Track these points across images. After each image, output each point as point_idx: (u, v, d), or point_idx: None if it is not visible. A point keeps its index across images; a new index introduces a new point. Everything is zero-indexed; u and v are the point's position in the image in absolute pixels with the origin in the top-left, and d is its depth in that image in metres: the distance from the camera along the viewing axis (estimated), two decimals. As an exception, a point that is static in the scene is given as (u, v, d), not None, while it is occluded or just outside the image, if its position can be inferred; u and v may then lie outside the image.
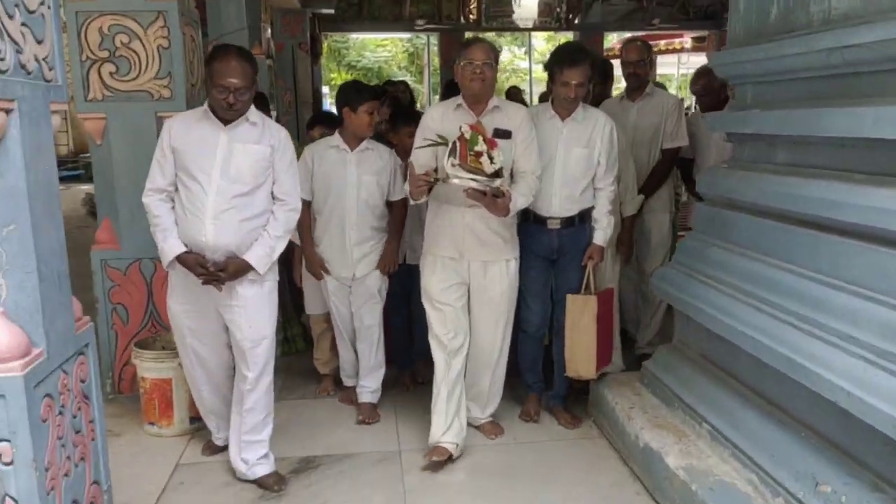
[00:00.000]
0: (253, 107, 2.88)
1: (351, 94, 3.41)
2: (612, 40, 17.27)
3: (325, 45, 14.53)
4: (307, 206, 3.42)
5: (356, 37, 19.50)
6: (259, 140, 2.84)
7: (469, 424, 3.30)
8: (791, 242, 2.45)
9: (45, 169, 1.94)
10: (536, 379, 3.59)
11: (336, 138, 3.45)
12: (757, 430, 2.50)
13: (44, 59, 1.97)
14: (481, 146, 2.76)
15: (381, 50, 22.61)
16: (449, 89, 4.76)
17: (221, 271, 2.79)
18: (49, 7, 1.99)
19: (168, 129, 2.84)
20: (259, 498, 2.94)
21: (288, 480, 3.04)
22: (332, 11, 11.12)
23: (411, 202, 3.14)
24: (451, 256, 3.13)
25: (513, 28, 14.02)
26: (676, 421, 3.01)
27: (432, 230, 3.19)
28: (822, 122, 2.32)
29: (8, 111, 1.75)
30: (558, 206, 3.26)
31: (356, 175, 3.40)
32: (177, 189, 2.84)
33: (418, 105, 21.13)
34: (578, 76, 3.11)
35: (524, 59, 22.65)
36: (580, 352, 3.31)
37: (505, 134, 2.99)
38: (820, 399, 2.11)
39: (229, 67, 2.71)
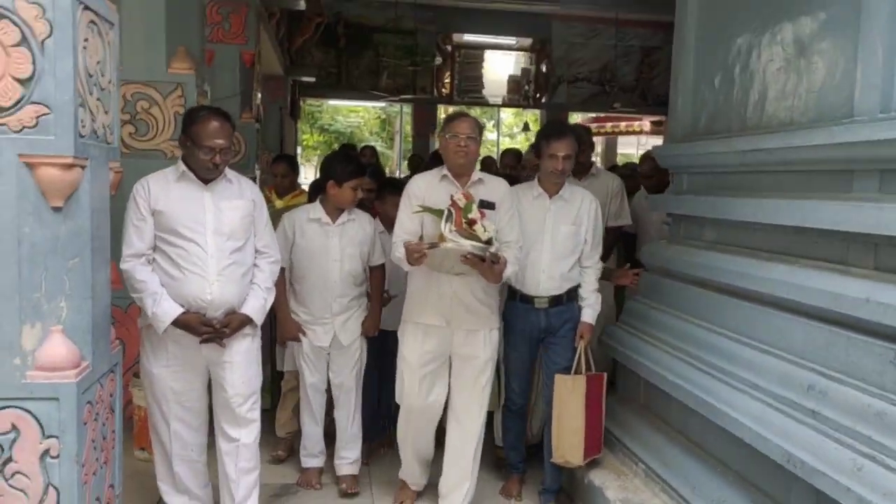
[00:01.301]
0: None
1: (338, 167, 3.34)
2: (577, 118, 18.30)
3: (301, 109, 15.13)
4: (282, 272, 3.29)
5: (331, 102, 20.18)
6: (241, 195, 2.87)
7: None
8: (712, 306, 2.94)
9: (103, 215, 2.35)
10: (520, 459, 3.53)
11: (317, 209, 3.38)
12: (682, 466, 2.93)
13: (107, 126, 2.40)
14: (475, 214, 2.81)
15: (354, 116, 23.32)
16: (434, 160, 4.54)
17: (225, 327, 2.76)
18: (114, 84, 2.44)
19: (144, 193, 2.77)
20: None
21: None
22: (312, 79, 11.76)
23: (406, 269, 3.05)
24: (437, 325, 3.08)
25: (482, 103, 14.80)
26: (617, 462, 3.41)
27: (417, 298, 3.14)
28: (737, 209, 2.86)
29: (83, 167, 2.17)
30: (546, 284, 3.23)
31: (339, 248, 3.35)
32: (155, 249, 2.76)
33: (387, 171, 21.75)
34: (565, 148, 3.14)
35: (492, 131, 23.63)
36: (568, 436, 3.20)
37: (489, 205, 3.00)
38: (730, 436, 2.55)
39: (214, 129, 2.72)
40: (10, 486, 2.14)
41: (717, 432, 2.66)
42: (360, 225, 3.42)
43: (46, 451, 2.15)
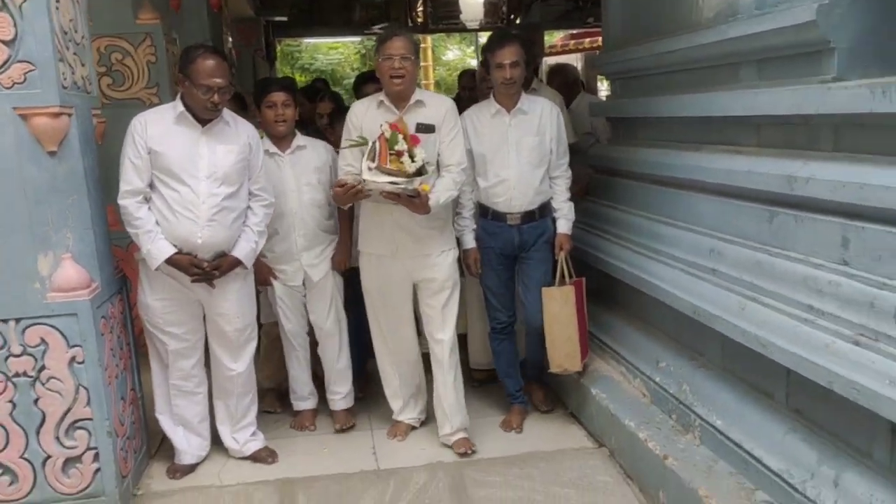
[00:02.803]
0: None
1: (256, 92, 3.28)
2: (555, 37, 18.25)
3: (278, 50, 15.14)
4: None
5: (309, 41, 20.08)
6: (237, 139, 2.87)
7: (442, 444, 3.26)
8: (644, 196, 3.31)
9: (91, 156, 2.71)
10: (518, 387, 3.43)
11: (266, 142, 3.21)
12: (628, 337, 3.35)
13: (86, 78, 2.72)
14: (402, 145, 2.74)
15: (334, 53, 23.21)
16: (357, 86, 4.08)
17: (215, 269, 2.83)
18: (87, 39, 2.75)
19: (142, 131, 2.75)
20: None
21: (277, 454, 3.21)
22: (284, 19, 11.80)
23: (339, 207, 3.14)
24: (385, 254, 3.08)
25: (459, 29, 14.75)
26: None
27: (365, 229, 3.13)
28: (658, 107, 3.19)
29: (69, 115, 2.50)
30: (518, 200, 3.19)
31: (293, 177, 3.22)
32: (151, 187, 2.78)
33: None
34: (509, 55, 3.03)
35: (473, 56, 23.51)
36: (563, 345, 3.20)
37: (428, 128, 2.94)
38: (660, 303, 2.94)
39: (211, 67, 2.70)
40: (48, 389, 2.59)
41: (652, 302, 3.05)
42: (314, 152, 3.28)
43: (73, 358, 2.58)
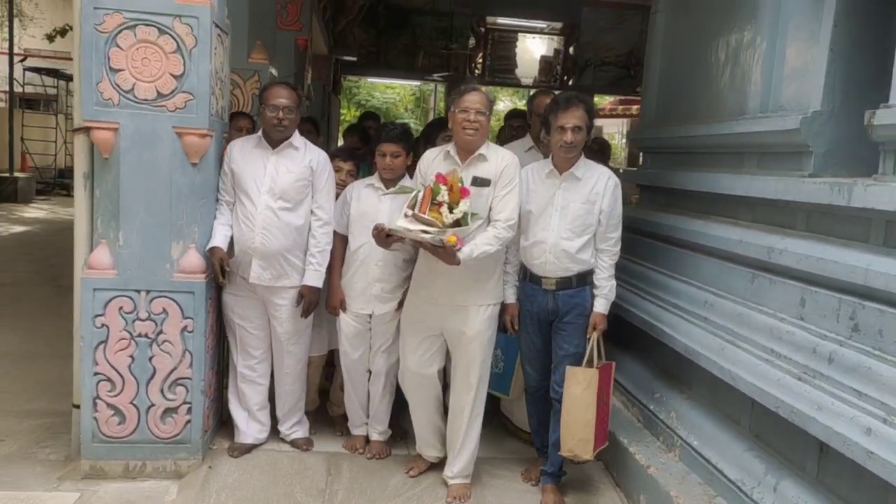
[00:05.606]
0: (297, 132, 3.42)
1: (375, 134, 3.72)
2: (606, 101, 19.04)
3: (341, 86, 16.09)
4: (342, 240, 3.53)
5: (369, 80, 21.12)
6: (300, 162, 3.38)
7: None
8: (656, 253, 3.90)
9: (216, 170, 3.39)
10: (545, 443, 3.36)
11: (374, 177, 3.50)
12: (631, 371, 3.90)
13: (223, 108, 3.43)
14: (443, 196, 2.87)
15: (390, 92, 24.27)
16: (426, 133, 4.11)
17: (302, 297, 3.40)
18: (227, 77, 3.47)
19: (228, 154, 3.39)
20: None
21: (314, 442, 3.71)
22: (354, 59, 12.72)
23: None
24: (428, 300, 3.17)
25: (513, 84, 15.57)
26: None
27: (416, 273, 3.26)
28: (681, 179, 3.80)
29: (211, 136, 3.20)
30: (553, 265, 3.10)
31: (388, 212, 3.34)
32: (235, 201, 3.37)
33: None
34: (573, 119, 2.98)
35: (524, 108, 24.33)
36: (577, 430, 3.06)
37: (483, 182, 3.03)
38: (661, 344, 3.50)
39: (278, 91, 3.35)
40: (161, 349, 3.23)
41: (653, 342, 3.62)
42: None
43: (185, 327, 3.22)
